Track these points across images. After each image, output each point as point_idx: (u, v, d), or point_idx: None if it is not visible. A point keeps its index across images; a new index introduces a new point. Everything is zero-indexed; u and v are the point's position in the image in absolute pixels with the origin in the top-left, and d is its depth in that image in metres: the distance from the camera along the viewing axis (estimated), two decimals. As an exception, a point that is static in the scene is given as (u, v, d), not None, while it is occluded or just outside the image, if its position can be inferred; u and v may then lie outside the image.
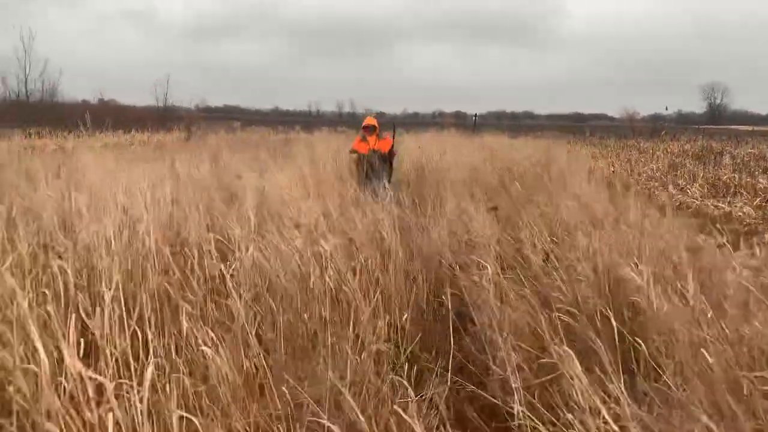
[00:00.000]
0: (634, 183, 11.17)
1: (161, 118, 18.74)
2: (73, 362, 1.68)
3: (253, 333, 2.43)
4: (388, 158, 7.26)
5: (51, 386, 1.58)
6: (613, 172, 13.35)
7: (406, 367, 2.76)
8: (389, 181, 6.92)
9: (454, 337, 3.07)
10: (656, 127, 35.24)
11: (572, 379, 1.96)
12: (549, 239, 4.29)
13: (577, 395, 1.90)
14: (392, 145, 7.39)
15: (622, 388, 2.00)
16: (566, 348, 2.21)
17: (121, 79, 79.66)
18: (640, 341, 2.64)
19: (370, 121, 7.47)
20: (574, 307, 3.32)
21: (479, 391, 2.78)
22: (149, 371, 1.59)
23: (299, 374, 2.37)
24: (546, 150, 13.92)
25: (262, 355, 2.32)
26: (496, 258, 3.77)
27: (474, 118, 37.32)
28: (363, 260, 3.22)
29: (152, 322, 2.16)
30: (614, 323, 2.39)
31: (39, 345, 1.53)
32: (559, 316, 2.98)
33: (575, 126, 50.08)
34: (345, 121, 47.70)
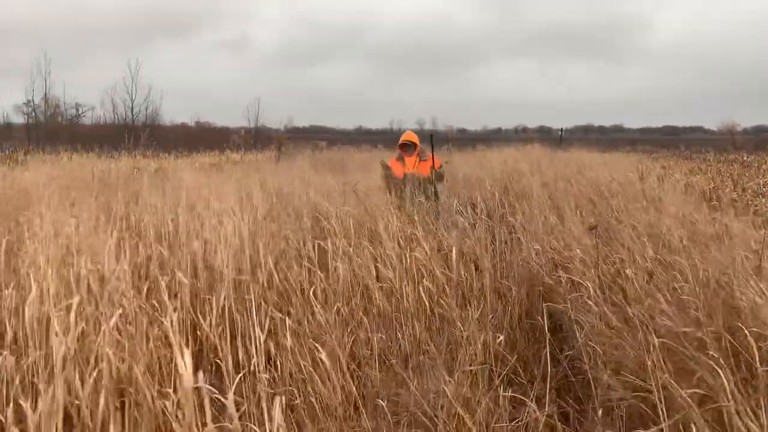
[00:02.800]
0: (738, 199, 10.41)
1: (252, 138, 19.58)
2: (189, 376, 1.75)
3: (348, 350, 2.44)
4: (429, 184, 5.64)
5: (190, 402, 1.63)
6: (714, 187, 12.52)
7: (501, 391, 2.67)
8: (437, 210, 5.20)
9: (550, 360, 2.95)
10: (761, 139, 32.77)
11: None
12: (651, 258, 4.05)
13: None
14: (436, 167, 5.84)
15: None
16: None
17: (216, 102, 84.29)
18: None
19: (409, 136, 5.90)
20: (682, 334, 3.10)
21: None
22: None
23: (394, 392, 2.35)
24: (638, 165, 13.27)
25: (356, 371, 2.31)
26: (594, 278, 3.59)
27: (560, 132, 36.24)
28: (455, 277, 3.17)
29: (254, 335, 2.20)
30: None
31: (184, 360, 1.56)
32: (666, 342, 2.78)
33: (668, 139, 47.62)
34: (426, 138, 47.73)
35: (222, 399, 1.75)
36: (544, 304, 3.20)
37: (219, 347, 2.03)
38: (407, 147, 5.81)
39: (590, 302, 3.18)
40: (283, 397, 2.15)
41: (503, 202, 6.47)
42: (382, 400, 2.17)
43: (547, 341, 2.78)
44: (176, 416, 1.75)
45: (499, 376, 2.81)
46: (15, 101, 47.30)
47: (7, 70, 67.59)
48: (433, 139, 5.99)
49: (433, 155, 5.87)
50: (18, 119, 36.62)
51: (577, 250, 3.96)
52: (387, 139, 42.10)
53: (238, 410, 1.68)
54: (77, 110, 37.52)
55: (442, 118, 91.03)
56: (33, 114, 35.23)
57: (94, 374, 1.92)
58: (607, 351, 2.96)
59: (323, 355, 2.17)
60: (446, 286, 2.87)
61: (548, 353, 2.85)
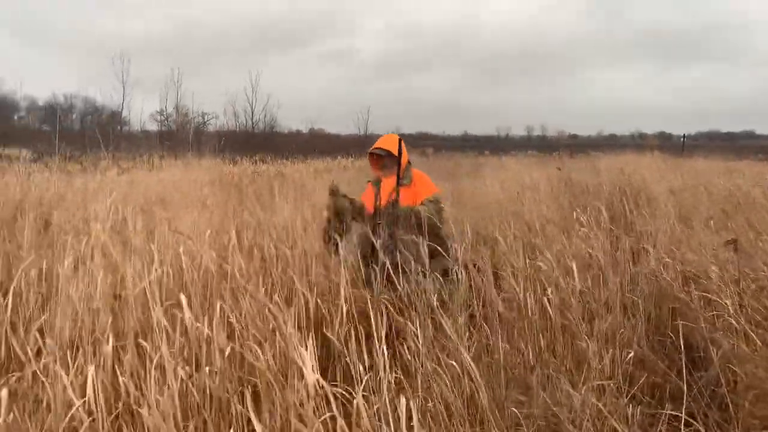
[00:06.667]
0: None
1: (362, 145, 20.22)
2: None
3: (470, 356, 2.42)
4: (421, 225, 3.09)
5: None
6: None
7: (630, 410, 2.54)
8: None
9: (680, 380, 2.76)
10: None
11: None
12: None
13: None
14: (416, 200, 3.37)
15: None
16: None
17: (328, 110, 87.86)
18: None
19: (386, 142, 3.53)
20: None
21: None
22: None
23: (517, 402, 2.31)
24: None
25: (480, 379, 2.29)
26: (734, 295, 3.32)
27: (682, 139, 33.89)
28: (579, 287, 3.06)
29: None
30: None
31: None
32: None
33: (812, 145, 43.01)
34: (534, 144, 46.76)
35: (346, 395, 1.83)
36: (678, 322, 3.01)
37: (346, 348, 2.10)
38: (380, 161, 3.56)
39: (731, 320, 2.94)
40: (405, 398, 2.19)
41: (626, 211, 6.14)
42: (507, 409, 2.14)
43: (683, 361, 2.61)
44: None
45: (627, 394, 2.68)
46: (151, 110, 52.46)
47: (144, 83, 75.06)
48: (402, 146, 3.40)
49: (398, 176, 3.37)
50: (152, 126, 40.56)
51: (713, 267, 3.68)
52: (493, 145, 41.65)
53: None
54: (203, 118, 40.77)
55: (552, 123, 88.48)
56: (165, 122, 38.83)
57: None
58: (749, 373, 2.73)
59: (448, 359, 2.18)
60: (571, 298, 2.77)
61: (684, 373, 2.67)
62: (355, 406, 1.82)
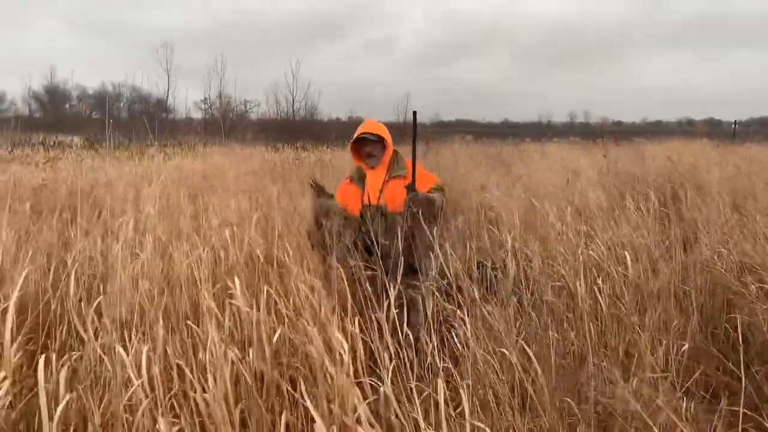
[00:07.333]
0: None
1: (401, 132, 20.11)
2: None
3: (517, 345, 2.39)
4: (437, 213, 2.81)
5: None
6: None
7: (683, 404, 2.46)
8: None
9: (735, 375, 2.66)
10: None
11: None
12: None
13: None
14: (434, 188, 2.93)
15: None
16: None
17: (367, 98, 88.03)
18: None
19: (376, 127, 3.02)
20: None
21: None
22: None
23: (566, 393, 2.27)
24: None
25: (529, 368, 2.26)
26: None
27: (733, 125, 32.56)
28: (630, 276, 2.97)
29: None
30: None
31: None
32: None
33: None
34: (577, 131, 45.71)
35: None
36: (733, 314, 2.90)
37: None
38: (368, 147, 3.00)
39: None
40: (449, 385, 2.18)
41: (675, 198, 5.93)
42: (556, 399, 2.10)
43: (741, 354, 2.52)
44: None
45: (680, 388, 2.60)
46: (195, 98, 53.88)
47: (189, 72, 77.08)
48: (416, 122, 2.98)
49: (414, 164, 2.87)
50: (197, 114, 41.61)
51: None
52: (534, 132, 40.93)
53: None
54: (245, 106, 41.52)
55: (595, 110, 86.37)
56: (209, 110, 39.75)
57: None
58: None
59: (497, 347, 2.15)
60: (624, 288, 2.69)
61: (741, 367, 2.58)
62: (382, 394, 1.83)
